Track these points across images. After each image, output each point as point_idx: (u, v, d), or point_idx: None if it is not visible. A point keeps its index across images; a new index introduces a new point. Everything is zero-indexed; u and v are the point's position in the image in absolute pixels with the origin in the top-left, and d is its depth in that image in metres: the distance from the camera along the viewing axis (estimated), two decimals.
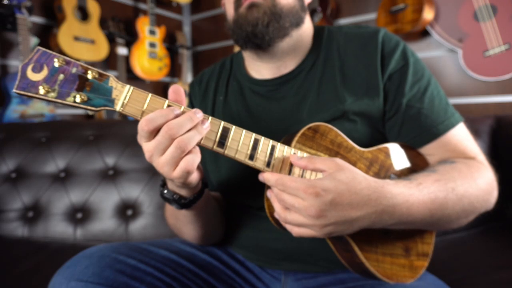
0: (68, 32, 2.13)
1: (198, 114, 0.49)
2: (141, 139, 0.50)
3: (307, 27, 0.75)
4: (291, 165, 0.56)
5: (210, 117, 0.52)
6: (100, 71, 0.48)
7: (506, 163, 1.09)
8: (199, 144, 0.51)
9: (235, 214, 0.79)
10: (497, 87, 1.97)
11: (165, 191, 0.60)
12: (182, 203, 0.60)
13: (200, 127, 0.49)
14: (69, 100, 0.46)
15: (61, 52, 2.09)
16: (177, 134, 0.47)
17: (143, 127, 0.47)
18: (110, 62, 2.56)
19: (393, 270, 0.61)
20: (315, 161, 0.54)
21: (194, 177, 0.54)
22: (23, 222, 1.24)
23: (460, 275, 0.84)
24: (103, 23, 2.37)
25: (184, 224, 0.71)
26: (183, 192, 0.59)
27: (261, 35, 0.68)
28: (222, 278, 0.72)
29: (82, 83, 0.47)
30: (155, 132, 0.48)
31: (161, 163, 0.49)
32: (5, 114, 1.86)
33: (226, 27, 0.76)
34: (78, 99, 0.46)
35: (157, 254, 0.67)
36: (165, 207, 0.75)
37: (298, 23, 0.71)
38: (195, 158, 0.50)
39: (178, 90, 0.51)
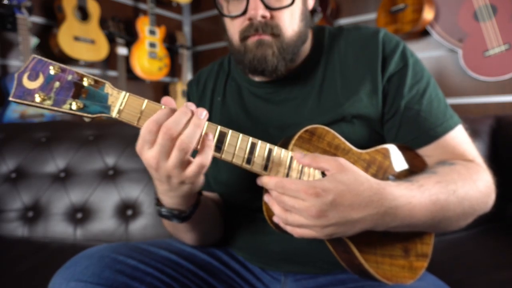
0: (68, 32, 2.13)
1: (191, 106, 0.49)
2: (143, 147, 0.49)
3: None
4: (289, 168, 0.56)
5: (207, 121, 0.52)
6: (96, 78, 0.48)
7: (506, 163, 1.09)
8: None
9: (234, 216, 0.79)
10: (497, 87, 1.97)
11: (163, 210, 0.60)
12: (182, 217, 0.60)
13: (196, 119, 0.49)
14: (65, 107, 0.46)
15: (61, 52, 2.10)
16: (175, 133, 0.47)
17: (151, 128, 0.47)
18: (110, 62, 2.56)
19: (392, 271, 0.61)
20: (319, 160, 0.54)
21: (200, 178, 0.54)
22: (23, 222, 1.23)
23: (460, 275, 0.84)
24: (103, 23, 2.37)
25: (183, 232, 0.71)
26: (181, 206, 0.59)
27: (269, 73, 0.67)
28: (222, 279, 0.72)
29: (78, 90, 0.47)
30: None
31: (169, 167, 0.49)
32: (5, 114, 1.86)
33: (227, 45, 0.73)
34: (74, 106, 0.46)
35: (157, 254, 0.67)
36: None
37: (303, 41, 0.70)
38: (209, 152, 0.50)
39: (170, 103, 0.51)
